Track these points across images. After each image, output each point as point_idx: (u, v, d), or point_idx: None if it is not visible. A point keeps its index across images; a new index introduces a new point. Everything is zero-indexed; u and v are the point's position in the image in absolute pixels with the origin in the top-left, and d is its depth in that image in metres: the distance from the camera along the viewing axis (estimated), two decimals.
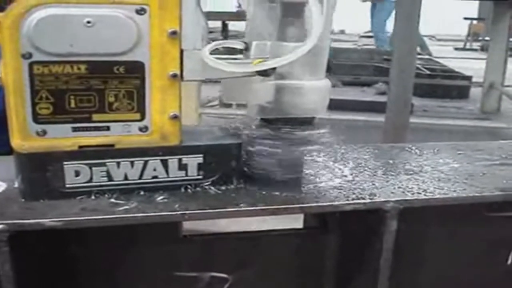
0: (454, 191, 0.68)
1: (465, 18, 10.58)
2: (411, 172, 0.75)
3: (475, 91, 4.95)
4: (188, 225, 0.77)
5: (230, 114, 3.09)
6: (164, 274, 0.76)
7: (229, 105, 3.33)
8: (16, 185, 0.63)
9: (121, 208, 0.59)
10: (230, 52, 0.65)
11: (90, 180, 0.61)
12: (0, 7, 0.96)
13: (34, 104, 0.57)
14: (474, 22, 10.82)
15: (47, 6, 0.54)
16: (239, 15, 4.88)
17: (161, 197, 0.62)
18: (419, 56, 5.29)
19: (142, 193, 0.63)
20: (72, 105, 0.58)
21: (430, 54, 6.83)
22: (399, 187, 0.68)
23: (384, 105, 2.71)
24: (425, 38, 7.43)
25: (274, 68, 0.61)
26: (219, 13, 5.38)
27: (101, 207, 0.59)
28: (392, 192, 0.66)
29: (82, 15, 0.55)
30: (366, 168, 0.75)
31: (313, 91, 0.66)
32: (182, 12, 0.58)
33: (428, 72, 5.15)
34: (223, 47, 0.64)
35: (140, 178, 0.63)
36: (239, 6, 5.10)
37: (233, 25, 6.10)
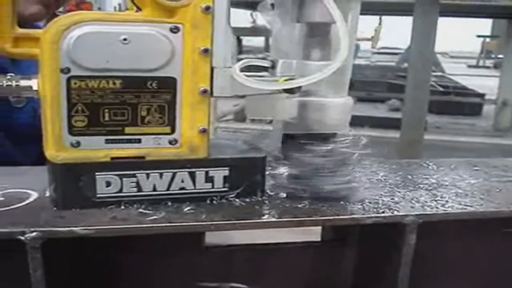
0: (472, 206, 0.70)
1: (478, 36, 10.59)
2: (429, 187, 0.76)
3: (488, 109, 4.95)
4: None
5: (244, 128, 3.13)
6: (187, 284, 0.78)
7: (243, 120, 3.37)
8: (48, 194, 0.65)
9: (150, 218, 0.61)
10: (250, 69, 0.68)
11: (121, 191, 0.63)
12: (31, 24, 1.01)
13: (70, 117, 0.60)
14: (488, 39, 10.82)
15: (86, 23, 0.57)
16: (253, 31, 4.92)
17: (188, 208, 0.64)
18: (433, 73, 5.30)
19: (169, 203, 0.65)
20: (106, 118, 0.61)
21: (443, 71, 6.85)
22: (417, 202, 0.70)
23: (397, 121, 2.73)
24: (438, 55, 7.45)
25: (299, 86, 0.63)
26: (234, 28, 5.41)
27: (131, 216, 0.61)
28: (411, 207, 0.68)
29: (119, 32, 0.58)
30: (385, 183, 0.77)
31: (336, 108, 0.69)
32: (214, 31, 0.61)
33: (441, 89, 5.16)
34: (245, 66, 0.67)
35: (168, 189, 0.65)
36: (254, 21, 5.14)
37: (248, 41, 6.14)
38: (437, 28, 2.37)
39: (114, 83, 0.60)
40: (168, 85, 0.61)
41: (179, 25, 0.60)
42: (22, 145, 1.06)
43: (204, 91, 0.62)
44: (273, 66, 0.68)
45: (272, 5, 0.68)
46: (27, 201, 0.65)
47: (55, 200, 0.63)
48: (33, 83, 0.60)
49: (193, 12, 0.60)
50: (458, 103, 4.99)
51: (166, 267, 0.78)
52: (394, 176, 0.81)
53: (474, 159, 0.94)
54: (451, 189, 0.76)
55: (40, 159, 0.66)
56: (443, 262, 0.79)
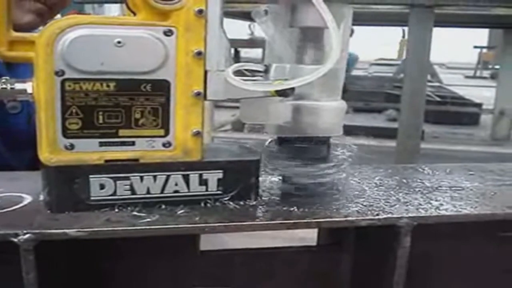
0: (466, 209, 0.70)
1: (475, 47, 10.66)
2: (424, 191, 0.76)
3: (485, 118, 4.97)
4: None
5: (241, 138, 3.14)
6: None
7: (240, 129, 3.39)
8: (42, 197, 0.65)
9: (143, 221, 0.61)
10: (244, 75, 0.68)
11: (114, 193, 0.63)
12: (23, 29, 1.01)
13: (64, 119, 0.60)
14: (484, 50, 10.88)
15: (80, 26, 0.58)
16: (251, 42, 4.95)
17: (182, 211, 0.64)
18: (430, 84, 5.33)
19: (163, 206, 0.65)
20: (100, 120, 0.61)
21: (440, 82, 6.89)
22: (412, 205, 0.70)
23: (395, 131, 2.74)
24: (435, 66, 7.50)
25: (293, 89, 0.64)
26: (231, 40, 5.43)
27: (124, 219, 0.61)
28: (406, 209, 0.68)
29: (113, 35, 0.58)
30: (380, 186, 0.77)
31: (330, 111, 0.69)
32: (207, 34, 0.61)
33: (439, 99, 5.18)
34: (239, 70, 0.67)
35: (162, 192, 0.65)
36: (252, 33, 5.18)
37: (245, 52, 6.17)
38: (434, 40, 2.40)
39: (108, 86, 0.60)
40: (162, 87, 0.62)
41: (173, 28, 0.60)
42: (17, 150, 1.07)
43: (198, 94, 0.62)
44: (267, 70, 0.69)
45: (266, 11, 0.69)
46: (21, 205, 0.65)
47: (49, 203, 0.63)
48: (28, 86, 0.60)
49: (186, 15, 0.60)
50: (456, 113, 5.01)
51: (161, 272, 0.77)
52: (390, 180, 0.82)
53: (469, 164, 0.94)
54: (446, 193, 0.76)
55: (34, 164, 0.66)
56: (438, 265, 0.79)
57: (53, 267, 0.66)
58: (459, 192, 0.77)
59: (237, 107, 0.70)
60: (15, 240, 0.56)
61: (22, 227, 0.57)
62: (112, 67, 0.59)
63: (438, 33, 2.66)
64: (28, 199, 0.67)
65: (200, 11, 0.60)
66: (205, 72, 0.63)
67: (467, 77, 10.41)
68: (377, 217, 0.65)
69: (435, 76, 7.12)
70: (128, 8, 0.62)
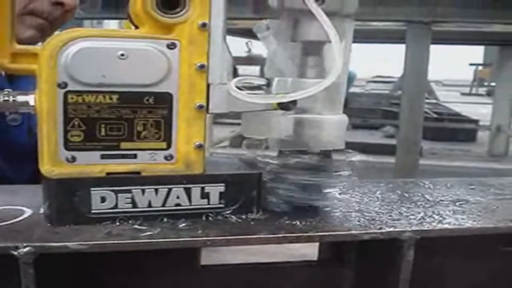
0: (469, 222, 0.69)
1: (471, 64, 10.74)
2: (426, 205, 0.76)
3: (482, 135, 4.99)
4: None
5: (239, 154, 3.14)
6: None
7: (239, 146, 3.40)
8: (42, 211, 0.65)
9: (145, 234, 0.61)
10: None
11: (116, 207, 0.63)
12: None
13: (66, 132, 0.60)
14: (480, 67, 10.97)
15: (83, 39, 0.58)
16: (249, 60, 4.97)
17: (184, 224, 0.64)
18: (427, 101, 5.36)
19: (165, 220, 0.64)
20: (102, 133, 0.61)
21: (437, 99, 6.92)
22: (415, 218, 0.70)
23: (392, 147, 2.75)
24: (432, 83, 7.55)
25: (295, 103, 0.64)
26: None
27: (126, 232, 0.61)
28: (409, 223, 0.68)
29: (116, 48, 0.59)
30: (382, 201, 0.77)
31: (331, 125, 0.69)
32: (210, 47, 0.61)
33: (435, 116, 5.20)
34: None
35: (163, 206, 0.64)
36: (249, 50, 5.21)
37: (244, 70, 6.21)
38: (431, 58, 2.42)
39: (110, 98, 0.60)
40: (165, 100, 0.62)
41: (176, 41, 0.60)
42: (18, 163, 1.06)
43: (200, 107, 0.62)
44: (269, 84, 0.69)
45: (267, 26, 0.69)
46: (21, 218, 0.65)
47: (49, 216, 0.62)
48: (30, 99, 0.60)
49: (189, 28, 0.60)
50: (453, 129, 5.04)
51: (162, 285, 0.77)
52: (391, 194, 0.81)
53: (469, 178, 0.94)
54: (448, 206, 0.76)
55: (35, 178, 0.65)
56: (442, 278, 0.78)
57: (53, 280, 0.65)
58: (461, 206, 0.77)
59: (237, 124, 0.70)
60: (15, 253, 0.55)
61: (22, 240, 0.57)
62: (115, 80, 0.59)
63: (434, 50, 2.68)
64: (28, 212, 0.67)
65: (204, 25, 0.60)
66: (208, 85, 0.63)
67: (463, 94, 10.47)
68: (380, 230, 0.65)
69: (432, 93, 7.17)
70: (131, 21, 0.62)
